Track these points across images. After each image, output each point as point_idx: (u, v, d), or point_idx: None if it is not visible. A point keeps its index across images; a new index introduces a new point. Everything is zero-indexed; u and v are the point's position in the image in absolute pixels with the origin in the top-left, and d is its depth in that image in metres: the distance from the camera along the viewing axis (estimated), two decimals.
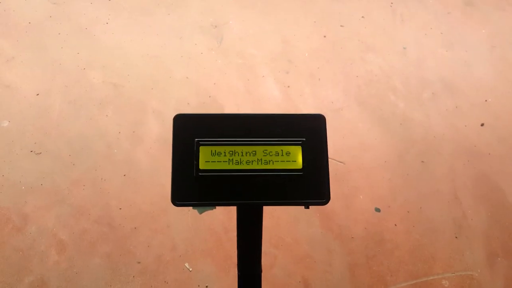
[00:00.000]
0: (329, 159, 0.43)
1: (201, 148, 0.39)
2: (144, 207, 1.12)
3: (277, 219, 1.14)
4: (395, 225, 1.17)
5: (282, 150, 0.40)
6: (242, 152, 0.40)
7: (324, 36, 1.52)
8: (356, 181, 1.22)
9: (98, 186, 1.14)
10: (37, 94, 1.27)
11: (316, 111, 1.34)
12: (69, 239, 1.06)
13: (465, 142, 1.33)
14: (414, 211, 1.19)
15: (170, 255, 1.07)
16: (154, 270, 1.04)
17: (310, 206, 0.41)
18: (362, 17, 1.59)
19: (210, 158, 0.39)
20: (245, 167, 0.39)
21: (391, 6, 1.63)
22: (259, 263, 0.49)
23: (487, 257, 1.14)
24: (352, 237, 1.14)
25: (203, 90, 1.34)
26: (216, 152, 0.39)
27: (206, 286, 1.04)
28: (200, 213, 0.41)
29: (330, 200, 0.40)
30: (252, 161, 0.40)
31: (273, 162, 0.40)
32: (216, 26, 1.50)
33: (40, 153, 1.18)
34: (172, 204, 0.39)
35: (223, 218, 1.12)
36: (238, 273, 0.49)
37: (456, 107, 1.40)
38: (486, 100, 1.42)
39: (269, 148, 0.40)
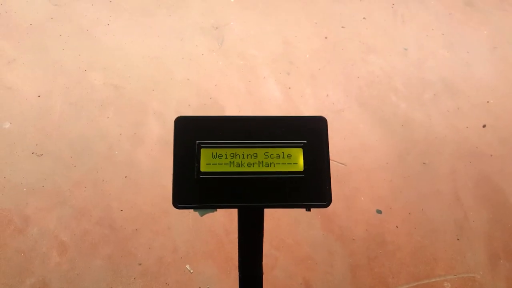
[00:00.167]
0: (330, 161, 0.43)
1: (202, 150, 0.39)
2: (145, 208, 1.12)
3: (278, 220, 1.14)
4: (397, 226, 1.16)
5: (283, 152, 0.40)
6: (243, 155, 0.40)
7: (325, 37, 1.52)
8: (357, 182, 1.22)
9: (99, 188, 1.14)
10: (39, 96, 1.28)
11: (317, 112, 1.34)
12: (71, 240, 1.06)
13: (467, 143, 1.33)
14: (416, 212, 1.19)
15: (171, 257, 1.07)
16: (155, 271, 1.04)
17: (311, 209, 0.41)
18: (364, 18, 1.58)
19: (211, 161, 0.39)
20: (246, 169, 0.39)
21: (392, 7, 1.63)
22: (260, 266, 0.48)
23: (489, 258, 1.14)
24: (353, 239, 1.13)
25: (204, 92, 1.34)
26: (217, 154, 0.39)
27: None
28: (201, 215, 0.41)
29: (331, 202, 0.40)
30: (253, 164, 0.39)
31: (274, 164, 0.40)
32: (217, 27, 1.50)
33: (42, 154, 1.18)
34: (173, 206, 0.39)
35: (224, 220, 1.12)
36: (239, 275, 0.49)
37: (458, 108, 1.40)
38: (487, 101, 1.42)
39: (270, 150, 0.40)
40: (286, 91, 1.38)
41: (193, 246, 1.08)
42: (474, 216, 1.20)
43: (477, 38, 1.58)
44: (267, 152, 0.40)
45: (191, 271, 1.05)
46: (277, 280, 1.06)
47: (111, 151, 1.20)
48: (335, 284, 1.07)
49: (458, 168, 1.28)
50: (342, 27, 1.55)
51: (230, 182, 0.39)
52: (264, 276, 0.50)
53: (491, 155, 1.31)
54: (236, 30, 1.50)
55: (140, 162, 1.19)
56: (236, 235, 0.45)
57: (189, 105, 1.31)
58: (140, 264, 1.05)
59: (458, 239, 1.16)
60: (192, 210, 0.40)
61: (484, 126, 1.37)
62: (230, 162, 0.39)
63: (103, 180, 1.15)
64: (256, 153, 0.40)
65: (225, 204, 0.40)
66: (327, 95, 1.38)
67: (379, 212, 1.18)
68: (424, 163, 1.28)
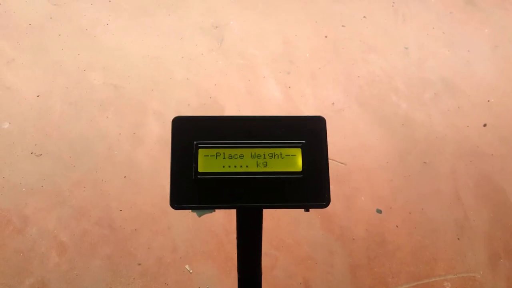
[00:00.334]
0: (330, 160, 0.43)
1: (200, 150, 0.39)
2: (145, 208, 1.12)
3: (277, 220, 1.13)
4: (397, 226, 1.16)
5: (281, 152, 0.40)
6: (241, 155, 0.39)
7: (326, 37, 1.52)
8: (357, 182, 1.22)
9: (99, 188, 1.14)
10: (38, 96, 1.27)
11: (317, 111, 1.34)
12: (70, 241, 1.06)
13: (467, 142, 1.32)
14: (416, 212, 1.19)
15: (170, 257, 1.06)
16: (155, 272, 1.04)
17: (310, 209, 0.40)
18: (364, 17, 1.58)
19: (209, 161, 0.39)
20: (244, 169, 0.39)
21: (392, 6, 1.62)
22: (259, 266, 0.48)
23: (490, 258, 1.14)
24: (353, 239, 1.13)
25: (204, 91, 1.34)
26: (215, 154, 0.39)
27: None
28: (199, 216, 0.41)
29: (331, 202, 0.40)
30: (251, 164, 0.39)
31: (272, 164, 0.39)
32: (217, 27, 1.49)
33: (41, 154, 1.18)
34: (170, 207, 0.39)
35: (224, 221, 1.12)
36: (238, 275, 0.49)
37: (458, 107, 1.39)
38: (488, 100, 1.42)
39: (268, 150, 0.39)
40: (286, 90, 1.37)
41: (193, 246, 1.08)
42: (475, 216, 1.19)
43: (478, 37, 1.58)
44: (265, 152, 0.39)
45: (191, 271, 1.05)
46: (277, 280, 1.06)
47: (111, 151, 1.20)
48: (335, 284, 1.07)
49: (458, 168, 1.27)
50: (342, 26, 1.55)
51: (228, 183, 0.39)
52: (264, 276, 0.49)
53: (492, 155, 1.30)
54: (236, 29, 1.50)
55: (139, 162, 1.19)
56: (236, 235, 0.45)
57: (188, 104, 1.31)
58: (139, 264, 1.05)
59: (458, 239, 1.16)
60: (190, 210, 0.40)
61: (484, 125, 1.36)
62: (228, 162, 0.39)
63: (102, 180, 1.15)
64: (254, 153, 0.39)
65: (223, 204, 0.39)
66: (327, 95, 1.38)
67: (379, 211, 1.18)
68: (424, 163, 1.27)
